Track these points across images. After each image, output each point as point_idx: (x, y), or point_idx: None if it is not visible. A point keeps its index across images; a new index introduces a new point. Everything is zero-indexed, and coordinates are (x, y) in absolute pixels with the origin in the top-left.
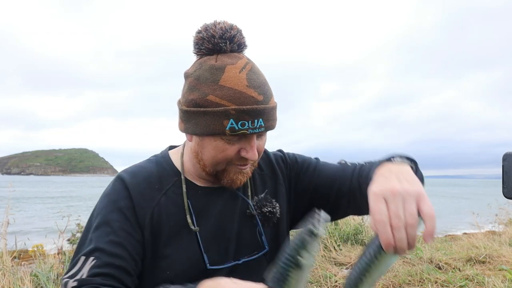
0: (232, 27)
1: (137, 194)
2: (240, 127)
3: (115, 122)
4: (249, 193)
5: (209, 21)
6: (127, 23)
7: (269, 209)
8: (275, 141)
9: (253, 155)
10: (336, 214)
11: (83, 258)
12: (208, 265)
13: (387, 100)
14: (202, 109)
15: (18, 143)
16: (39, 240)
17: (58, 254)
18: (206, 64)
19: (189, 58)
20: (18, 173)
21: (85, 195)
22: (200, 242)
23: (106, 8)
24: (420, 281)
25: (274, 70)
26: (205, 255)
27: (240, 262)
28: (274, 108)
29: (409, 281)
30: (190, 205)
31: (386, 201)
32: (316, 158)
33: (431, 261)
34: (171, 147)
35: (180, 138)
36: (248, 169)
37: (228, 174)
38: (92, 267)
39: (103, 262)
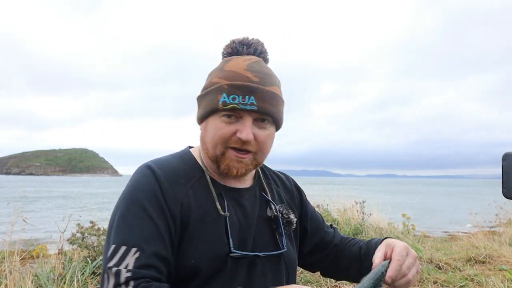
0: (254, 39)
1: (167, 186)
2: (231, 101)
3: (116, 123)
4: (269, 198)
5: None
6: (131, 25)
7: (290, 216)
8: (276, 141)
9: (246, 135)
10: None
11: (123, 248)
12: (232, 248)
13: (387, 100)
14: (205, 91)
15: (19, 143)
16: (42, 240)
17: (58, 254)
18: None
19: (190, 59)
20: (18, 173)
21: (92, 194)
22: (228, 226)
23: (110, 10)
24: (420, 281)
25: (276, 71)
26: (230, 239)
27: (260, 255)
28: (272, 94)
29: None
30: (220, 194)
31: (408, 254)
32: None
33: (431, 261)
34: (190, 147)
35: (183, 138)
36: (248, 160)
37: (225, 160)
38: (137, 259)
39: (147, 255)
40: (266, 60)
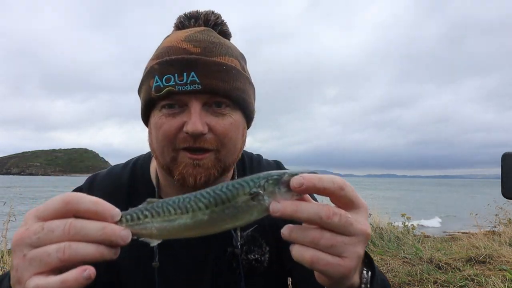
0: (206, 10)
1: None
2: (165, 83)
3: (117, 124)
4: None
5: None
6: (144, 28)
7: (256, 256)
8: (278, 141)
9: (193, 125)
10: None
11: None
12: None
13: (389, 102)
14: (140, 82)
15: (26, 144)
16: None
17: None
18: None
19: None
20: (18, 173)
21: None
22: (157, 281)
23: (123, 16)
24: (420, 281)
25: (278, 73)
26: None
27: None
28: (221, 65)
29: (409, 281)
30: None
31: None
32: None
33: (431, 261)
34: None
35: None
36: (208, 162)
37: (178, 167)
38: None
39: None
40: (223, 34)
